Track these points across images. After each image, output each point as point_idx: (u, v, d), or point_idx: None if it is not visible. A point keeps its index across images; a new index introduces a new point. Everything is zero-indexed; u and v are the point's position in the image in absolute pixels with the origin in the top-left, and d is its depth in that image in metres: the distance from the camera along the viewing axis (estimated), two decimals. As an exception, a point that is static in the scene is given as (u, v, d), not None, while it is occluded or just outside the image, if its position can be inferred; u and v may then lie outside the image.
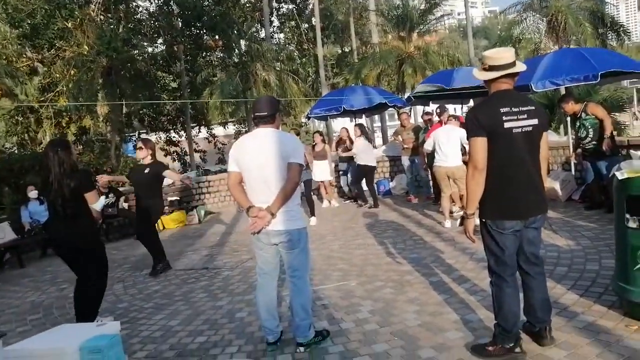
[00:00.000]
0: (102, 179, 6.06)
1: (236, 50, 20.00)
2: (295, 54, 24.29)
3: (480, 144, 2.67)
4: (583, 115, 6.40)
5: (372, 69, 17.57)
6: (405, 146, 9.31)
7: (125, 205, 9.53)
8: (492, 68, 2.76)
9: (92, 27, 14.86)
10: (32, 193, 8.33)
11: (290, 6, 24.51)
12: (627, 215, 3.10)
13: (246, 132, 18.18)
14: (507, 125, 2.66)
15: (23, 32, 14.33)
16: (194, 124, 22.32)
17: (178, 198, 10.34)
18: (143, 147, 5.93)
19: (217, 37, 20.30)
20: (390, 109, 12.82)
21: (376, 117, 21.07)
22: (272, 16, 22.88)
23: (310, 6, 23.15)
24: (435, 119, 8.41)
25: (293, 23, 24.26)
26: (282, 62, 20.26)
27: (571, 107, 6.57)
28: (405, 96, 13.54)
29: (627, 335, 2.93)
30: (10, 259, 7.85)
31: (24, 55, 15.49)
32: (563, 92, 8.16)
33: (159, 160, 6.25)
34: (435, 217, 7.28)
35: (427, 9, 19.63)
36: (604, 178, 6.23)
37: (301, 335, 3.27)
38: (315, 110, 11.76)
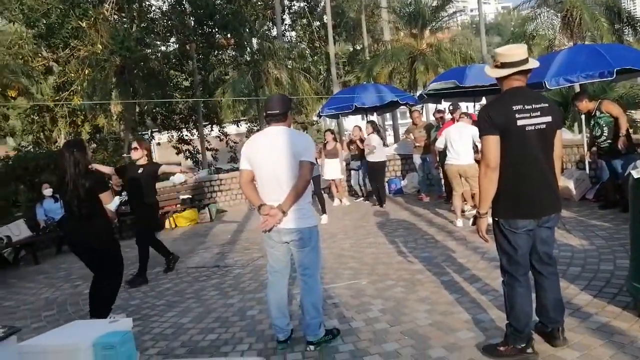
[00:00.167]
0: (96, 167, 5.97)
1: (248, 48, 20.05)
2: (307, 52, 24.25)
3: (493, 142, 2.64)
4: (597, 113, 6.29)
5: (384, 66, 17.46)
6: (417, 144, 9.26)
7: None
8: (504, 65, 2.74)
9: (105, 26, 15.00)
10: (47, 191, 8.45)
11: (302, 4, 24.46)
12: (643, 215, 3.05)
13: (258, 130, 18.21)
14: (520, 122, 2.63)
15: (38, 31, 14.51)
16: (206, 123, 22.40)
17: (190, 196, 10.40)
18: (138, 147, 5.81)
19: (229, 35, 20.36)
20: (402, 107, 12.74)
21: (388, 115, 20.95)
22: (283, 14, 22.88)
23: (322, 4, 23.07)
24: (448, 116, 8.36)
25: (305, 21, 24.22)
26: (294, 60, 20.22)
27: (585, 105, 6.47)
28: (417, 94, 13.43)
29: (642, 337, 2.89)
30: (26, 255, 7.97)
31: (40, 55, 15.70)
32: (577, 89, 8.03)
33: (153, 161, 6.15)
34: (446, 216, 7.24)
35: (439, 6, 19.42)
36: (619, 176, 6.13)
37: (311, 334, 3.27)
38: (327, 109, 11.75)
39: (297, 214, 3.14)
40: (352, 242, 6.39)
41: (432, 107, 15.27)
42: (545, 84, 6.98)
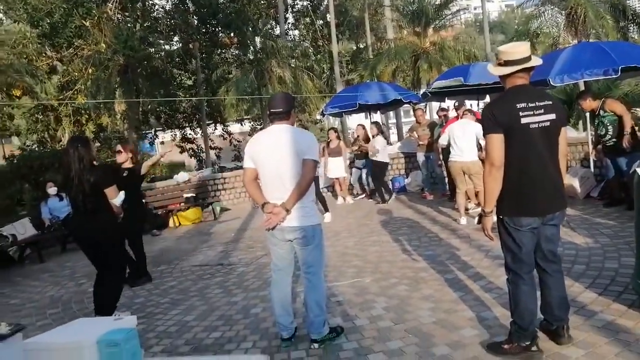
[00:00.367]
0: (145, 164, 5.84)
1: (251, 47, 20.01)
2: (310, 50, 24.24)
3: (497, 140, 2.63)
4: (601, 112, 6.26)
5: (387, 65, 17.42)
6: (420, 142, 9.26)
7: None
8: (507, 63, 2.73)
9: (109, 25, 15.02)
10: (52, 189, 8.48)
11: (305, 3, 24.45)
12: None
13: (261, 129, 18.22)
14: (524, 120, 2.62)
15: (42, 31, 14.55)
16: (210, 121, 22.43)
17: (194, 195, 10.42)
18: (122, 151, 5.74)
19: (232, 34, 20.34)
20: (405, 105, 12.72)
21: (391, 113, 20.93)
22: (287, 13, 22.86)
23: (325, 2, 23.05)
24: (452, 114, 8.34)
25: (308, 20, 24.19)
26: (297, 59, 20.21)
27: (589, 103, 6.44)
28: (421, 92, 13.39)
29: (647, 335, 2.87)
30: (31, 254, 8.01)
31: (44, 54, 15.73)
32: (582, 87, 7.99)
33: (137, 163, 6.03)
34: (450, 214, 7.23)
35: (442, 4, 19.34)
36: (624, 174, 6.10)
37: (315, 332, 3.28)
38: (330, 107, 11.74)
39: (301, 212, 3.14)
40: (356, 240, 6.39)
41: (435, 105, 15.22)
42: (549, 82, 6.96)
